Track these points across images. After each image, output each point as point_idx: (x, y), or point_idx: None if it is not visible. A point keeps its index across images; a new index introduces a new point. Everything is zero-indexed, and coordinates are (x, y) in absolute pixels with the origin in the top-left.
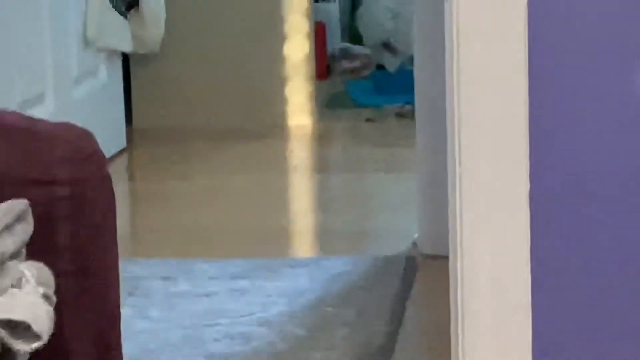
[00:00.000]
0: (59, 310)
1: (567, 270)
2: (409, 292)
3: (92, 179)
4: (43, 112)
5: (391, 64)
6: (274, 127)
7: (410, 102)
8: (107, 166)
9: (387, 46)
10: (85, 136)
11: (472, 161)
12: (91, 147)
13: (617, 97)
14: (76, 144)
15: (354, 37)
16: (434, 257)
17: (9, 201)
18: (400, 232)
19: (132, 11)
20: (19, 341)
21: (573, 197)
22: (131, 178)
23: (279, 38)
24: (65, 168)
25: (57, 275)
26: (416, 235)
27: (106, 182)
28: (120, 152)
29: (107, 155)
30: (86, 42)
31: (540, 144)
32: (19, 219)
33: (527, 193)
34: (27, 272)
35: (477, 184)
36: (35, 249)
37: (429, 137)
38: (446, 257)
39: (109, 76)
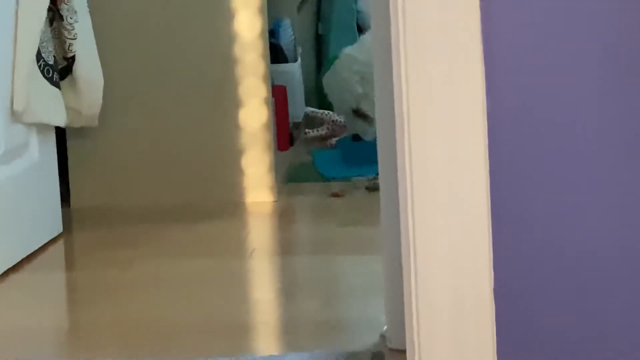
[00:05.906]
0: None
1: None
2: None
3: None
4: None
5: (366, 132)
6: (229, 205)
7: None
8: None
9: (357, 113)
10: None
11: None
12: None
13: None
14: None
15: (322, 101)
16: (404, 352)
17: None
18: (369, 323)
19: (65, 80)
20: None
21: None
22: (68, 267)
23: (233, 104)
24: None
25: None
26: (385, 327)
27: None
28: (56, 238)
29: (41, 242)
30: (14, 116)
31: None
32: None
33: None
34: None
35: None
36: None
37: (396, 214)
38: None
39: (42, 153)
